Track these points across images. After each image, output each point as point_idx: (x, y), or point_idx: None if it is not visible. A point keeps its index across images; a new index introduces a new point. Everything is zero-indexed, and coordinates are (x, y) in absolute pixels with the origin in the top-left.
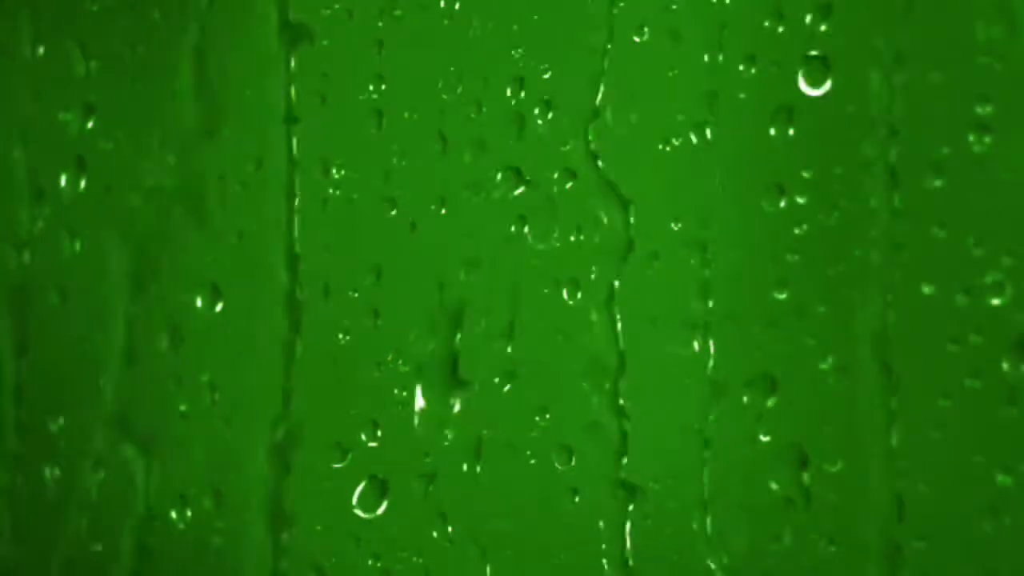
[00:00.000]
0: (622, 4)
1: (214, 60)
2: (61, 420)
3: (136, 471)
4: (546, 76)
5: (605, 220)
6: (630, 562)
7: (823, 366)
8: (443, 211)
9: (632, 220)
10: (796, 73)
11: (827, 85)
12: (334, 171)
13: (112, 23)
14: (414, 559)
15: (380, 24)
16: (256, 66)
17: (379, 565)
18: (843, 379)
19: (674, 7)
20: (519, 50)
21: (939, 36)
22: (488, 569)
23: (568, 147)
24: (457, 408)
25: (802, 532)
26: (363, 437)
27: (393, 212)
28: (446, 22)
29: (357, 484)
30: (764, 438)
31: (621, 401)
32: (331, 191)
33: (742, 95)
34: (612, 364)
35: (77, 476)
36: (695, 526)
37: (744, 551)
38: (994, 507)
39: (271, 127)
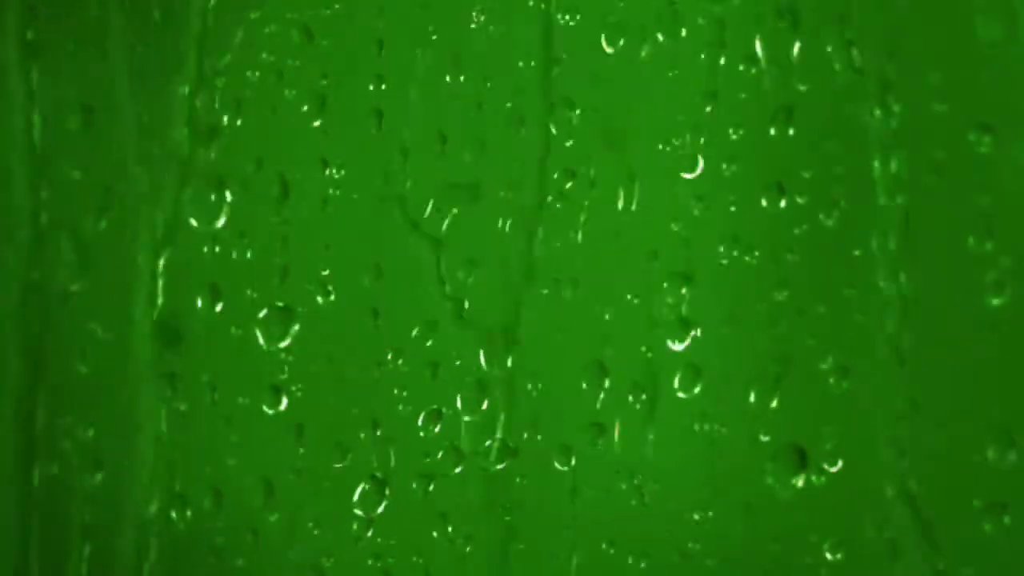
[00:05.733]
0: (622, 4)
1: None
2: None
3: (137, 471)
4: (545, 76)
5: (604, 220)
6: (630, 562)
7: (823, 366)
8: (443, 211)
9: (632, 220)
10: (795, 73)
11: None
12: (334, 171)
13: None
14: (414, 559)
15: (380, 24)
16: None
17: (379, 565)
18: (843, 379)
19: (674, 7)
20: (518, 50)
21: (939, 36)
22: (488, 569)
23: (568, 146)
24: (457, 408)
25: (802, 532)
26: (363, 437)
27: (393, 212)
28: (447, 21)
29: (357, 484)
30: (764, 438)
31: (621, 401)
32: (331, 191)
33: (742, 95)
34: (612, 364)
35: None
36: (695, 526)
37: (744, 551)
38: (994, 506)
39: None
